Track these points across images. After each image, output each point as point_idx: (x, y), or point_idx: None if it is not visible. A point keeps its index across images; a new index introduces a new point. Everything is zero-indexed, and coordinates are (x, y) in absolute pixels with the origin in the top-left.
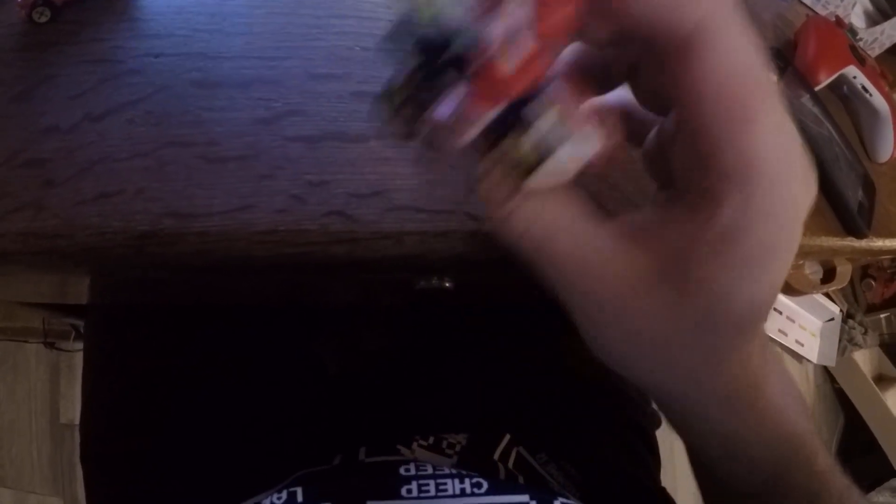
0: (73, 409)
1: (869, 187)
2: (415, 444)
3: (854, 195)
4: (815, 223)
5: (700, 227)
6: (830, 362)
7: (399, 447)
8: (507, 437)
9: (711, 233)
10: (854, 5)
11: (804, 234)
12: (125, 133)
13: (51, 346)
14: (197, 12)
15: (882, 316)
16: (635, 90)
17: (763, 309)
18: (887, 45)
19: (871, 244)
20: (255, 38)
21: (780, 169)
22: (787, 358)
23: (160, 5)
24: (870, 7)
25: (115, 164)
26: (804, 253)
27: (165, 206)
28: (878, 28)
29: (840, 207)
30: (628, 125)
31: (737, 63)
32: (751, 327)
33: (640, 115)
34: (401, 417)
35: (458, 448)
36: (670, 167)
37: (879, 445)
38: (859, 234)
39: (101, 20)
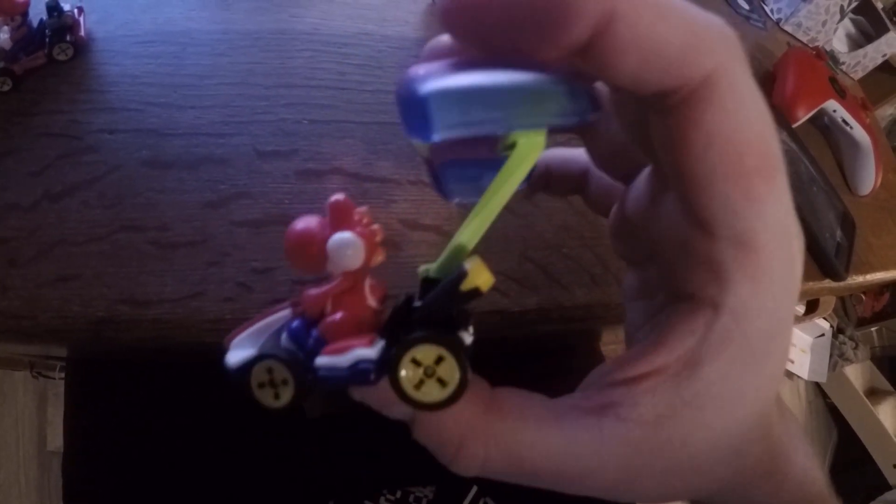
0: (60, 437)
1: (848, 225)
2: (382, 499)
3: (832, 237)
4: None
5: (700, 335)
6: (821, 378)
7: (366, 502)
8: (475, 488)
9: (713, 335)
10: (835, 31)
11: None
12: (81, 215)
13: (38, 375)
14: (149, 83)
15: (873, 329)
16: (592, 148)
17: (775, 388)
18: (870, 67)
19: (851, 282)
20: (204, 111)
21: (783, 258)
22: None
23: (115, 74)
24: (852, 30)
25: (73, 248)
26: None
27: (120, 293)
28: (861, 52)
29: (817, 252)
30: (555, 181)
31: (747, 125)
32: (765, 417)
33: (564, 170)
34: (368, 471)
35: (425, 502)
36: (640, 243)
37: (872, 459)
38: (837, 278)
39: (60, 89)
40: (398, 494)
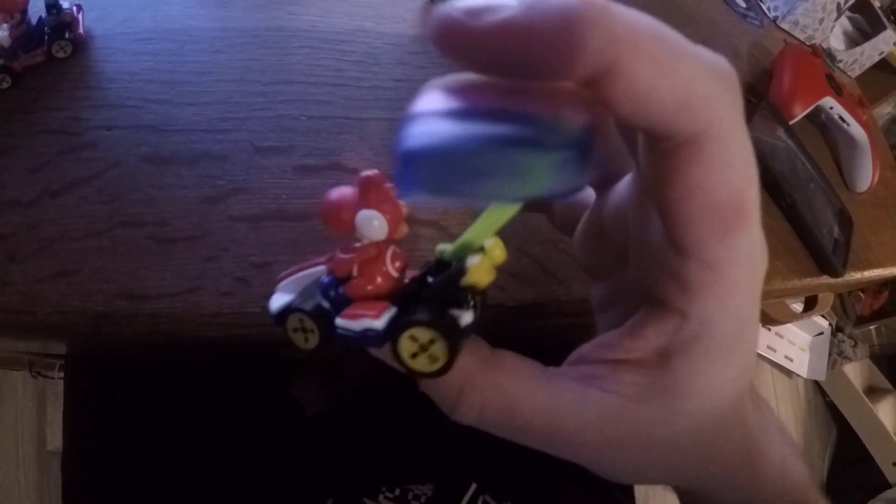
0: (59, 437)
1: (845, 222)
2: (381, 497)
3: (829, 234)
4: (788, 265)
5: (670, 335)
6: (821, 376)
7: (365, 500)
8: (474, 485)
9: (682, 336)
10: (832, 28)
11: (777, 278)
12: (80, 211)
13: (37, 374)
14: (148, 80)
15: (872, 327)
16: None
17: (748, 379)
18: (867, 65)
19: (849, 279)
20: (202, 108)
21: (747, 277)
22: (777, 374)
23: (113, 71)
24: (849, 28)
25: (72, 243)
26: (780, 294)
27: (119, 288)
28: (858, 49)
29: (814, 249)
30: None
31: (733, 177)
32: (739, 403)
33: None
34: (367, 469)
35: (423, 499)
36: (608, 253)
37: (872, 457)
38: (834, 274)
39: (59, 86)
40: (397, 492)
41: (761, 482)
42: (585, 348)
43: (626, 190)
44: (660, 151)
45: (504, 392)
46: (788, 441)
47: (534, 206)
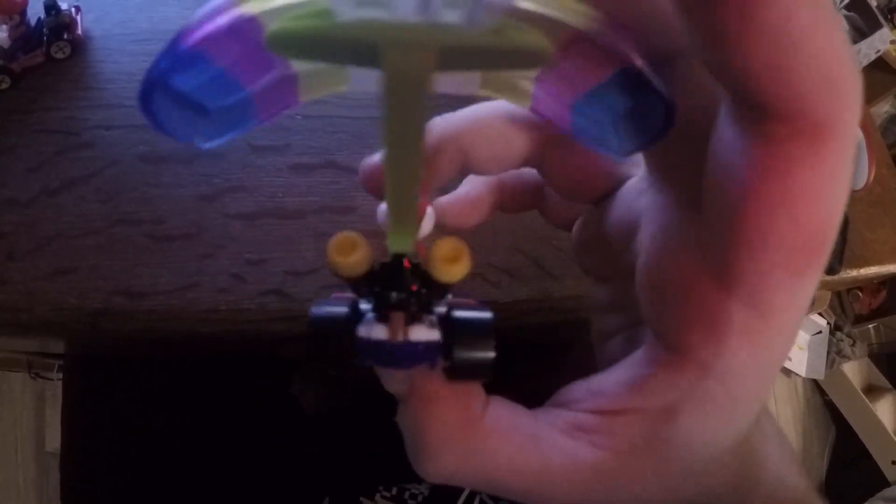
0: (58, 438)
1: (841, 220)
2: (378, 496)
3: None
4: None
5: (682, 392)
6: (819, 375)
7: (362, 499)
8: None
9: (696, 393)
10: None
11: None
12: (78, 210)
13: (36, 376)
14: None
15: (870, 326)
16: (549, 175)
17: (754, 418)
18: (863, 63)
19: (845, 276)
20: None
21: (796, 323)
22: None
23: (111, 72)
24: (845, 26)
25: (70, 241)
26: None
27: (116, 285)
28: (855, 48)
29: None
30: (509, 199)
31: (836, 196)
32: (740, 439)
33: (520, 185)
34: (364, 468)
35: (420, 499)
36: (612, 261)
37: (870, 455)
38: (830, 272)
39: (58, 87)
40: (394, 491)
41: (751, 502)
42: (577, 391)
43: (636, 201)
44: (758, 136)
45: (486, 460)
46: (787, 458)
47: (525, 202)
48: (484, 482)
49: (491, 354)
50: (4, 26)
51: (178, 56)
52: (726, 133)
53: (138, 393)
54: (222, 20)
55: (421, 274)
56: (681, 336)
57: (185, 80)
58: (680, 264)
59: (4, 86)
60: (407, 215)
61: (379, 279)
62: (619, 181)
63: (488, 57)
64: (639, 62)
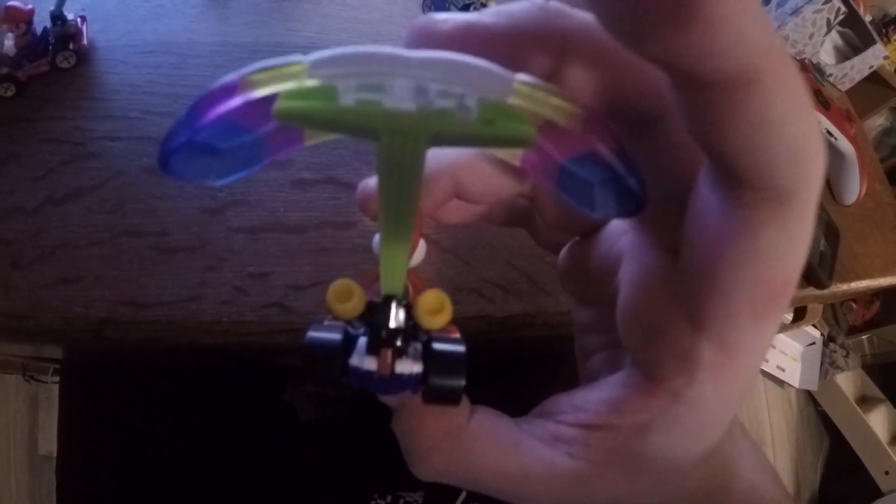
0: (51, 441)
1: (832, 234)
2: (373, 503)
3: (815, 246)
4: None
5: (655, 414)
6: (813, 386)
7: None
8: (464, 493)
9: (668, 416)
10: (823, 43)
11: None
12: (84, 220)
13: (30, 378)
14: (150, 92)
15: (864, 337)
16: (538, 210)
17: (722, 436)
18: (857, 78)
19: (836, 290)
20: None
21: (758, 361)
22: (769, 383)
23: (116, 83)
24: (840, 42)
25: (76, 251)
26: None
27: (121, 295)
28: (848, 63)
29: None
30: (496, 212)
31: (798, 251)
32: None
33: (509, 201)
34: (359, 475)
35: None
36: (595, 289)
37: (864, 466)
38: (820, 286)
39: (63, 96)
40: (388, 499)
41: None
42: (560, 403)
43: (619, 239)
44: (732, 200)
45: (472, 462)
46: (761, 465)
47: (514, 219)
48: (470, 482)
49: (461, 384)
50: (11, 35)
51: (194, 129)
52: (704, 192)
53: (135, 398)
54: (235, 103)
55: (409, 312)
56: (656, 367)
57: (200, 135)
58: (657, 304)
59: (10, 93)
60: (398, 269)
61: (371, 319)
62: (605, 220)
63: (477, 140)
64: (609, 157)
